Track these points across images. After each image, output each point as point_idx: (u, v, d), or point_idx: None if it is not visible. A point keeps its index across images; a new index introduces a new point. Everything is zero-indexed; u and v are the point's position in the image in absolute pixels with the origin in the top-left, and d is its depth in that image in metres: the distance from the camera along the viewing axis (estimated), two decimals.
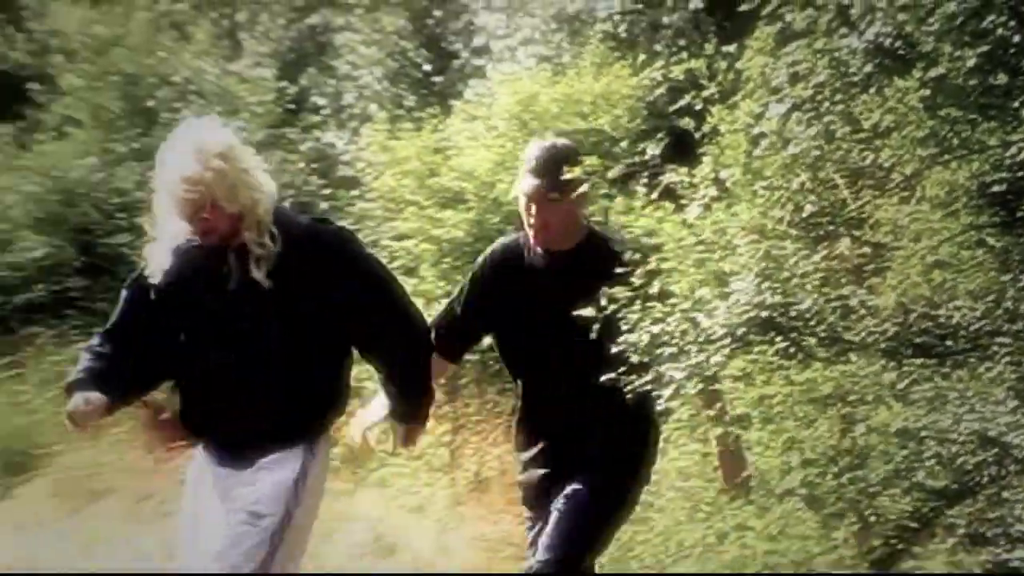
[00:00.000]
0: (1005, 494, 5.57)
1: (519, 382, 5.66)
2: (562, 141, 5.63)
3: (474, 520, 8.90)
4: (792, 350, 6.67)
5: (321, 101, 12.31)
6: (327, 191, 10.92)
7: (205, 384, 4.90)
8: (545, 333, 5.32)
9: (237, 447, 4.93)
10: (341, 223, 10.01)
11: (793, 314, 6.84)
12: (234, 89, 12.04)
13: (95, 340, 5.20)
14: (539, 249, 5.29)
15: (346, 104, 11.10)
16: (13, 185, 12.68)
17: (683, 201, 7.82)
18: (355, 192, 10.39)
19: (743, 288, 7.11)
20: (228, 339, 4.78)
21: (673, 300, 7.32)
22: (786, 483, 6.18)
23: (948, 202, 6.34)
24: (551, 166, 5.10)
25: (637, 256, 6.25)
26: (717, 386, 6.88)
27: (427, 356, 5.41)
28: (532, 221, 5.18)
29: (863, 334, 6.51)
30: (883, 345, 6.42)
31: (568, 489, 5.41)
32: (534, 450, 5.56)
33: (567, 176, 5.14)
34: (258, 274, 4.70)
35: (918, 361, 6.23)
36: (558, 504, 5.37)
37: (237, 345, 4.77)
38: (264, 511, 4.79)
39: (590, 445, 5.46)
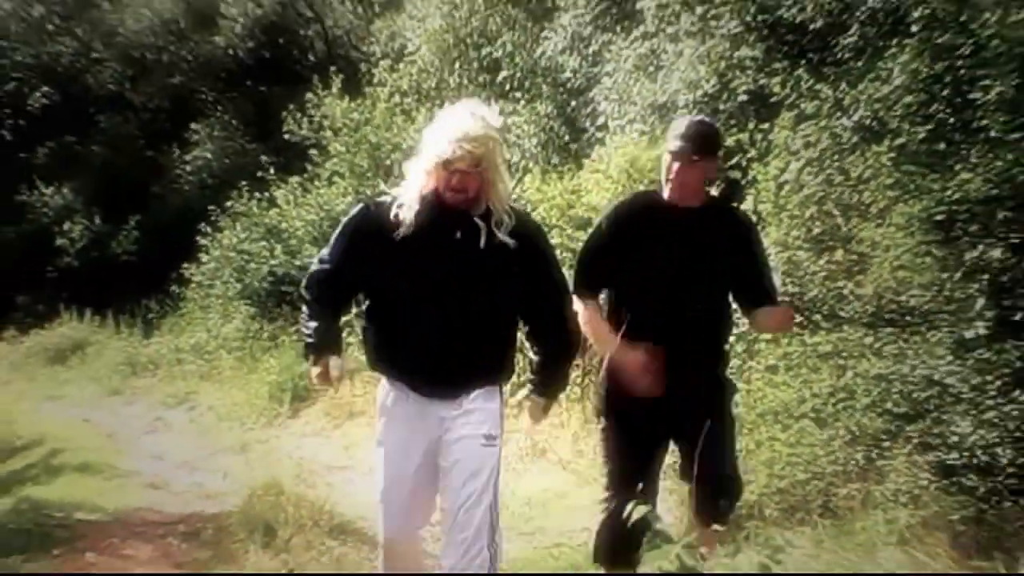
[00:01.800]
0: (944, 417, 5.60)
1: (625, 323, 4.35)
2: (707, 119, 4.70)
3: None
4: (805, 322, 6.68)
5: None
6: None
7: (425, 325, 3.92)
8: (673, 274, 4.29)
9: (449, 382, 4.02)
10: None
11: (806, 298, 6.90)
12: None
13: (318, 274, 4.07)
14: (673, 203, 4.30)
15: (513, 162, 11.21)
16: (299, 215, 13.04)
17: None
18: None
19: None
20: (468, 290, 3.91)
21: None
22: (801, 409, 6.19)
23: (907, 226, 6.29)
24: (697, 135, 4.22)
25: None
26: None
27: (573, 355, 4.36)
28: (672, 177, 4.25)
29: (851, 312, 6.56)
30: (865, 319, 6.45)
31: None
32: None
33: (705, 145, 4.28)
34: (505, 239, 3.90)
35: (888, 330, 6.28)
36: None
37: (474, 296, 3.92)
38: (495, 433, 4.11)
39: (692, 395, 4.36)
